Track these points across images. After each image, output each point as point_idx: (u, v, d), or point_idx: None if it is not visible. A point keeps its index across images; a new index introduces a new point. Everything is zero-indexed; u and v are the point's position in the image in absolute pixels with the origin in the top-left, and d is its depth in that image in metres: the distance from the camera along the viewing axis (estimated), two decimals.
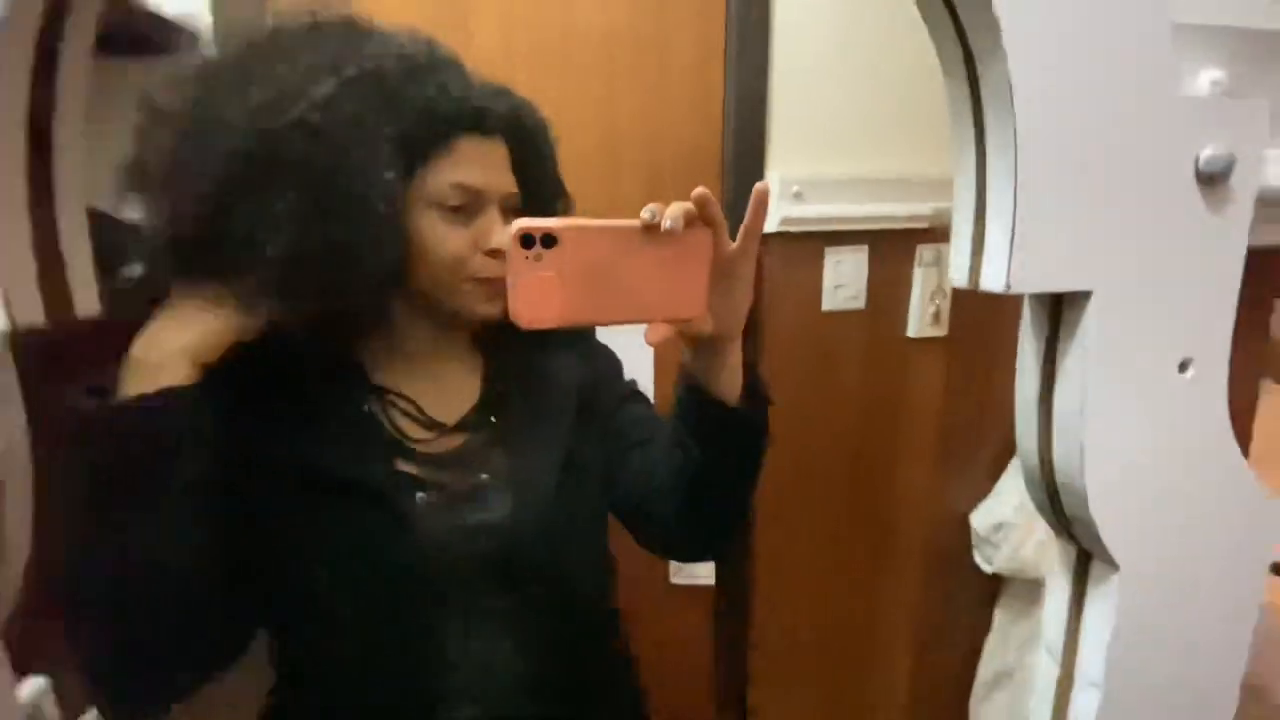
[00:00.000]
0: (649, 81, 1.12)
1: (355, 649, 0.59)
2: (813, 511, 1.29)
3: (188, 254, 0.54)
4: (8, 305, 0.23)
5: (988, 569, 1.30)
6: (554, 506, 0.63)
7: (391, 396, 0.63)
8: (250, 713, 0.71)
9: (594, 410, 0.70)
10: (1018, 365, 0.34)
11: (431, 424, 0.63)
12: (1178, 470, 0.32)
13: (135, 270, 0.89)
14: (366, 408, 0.62)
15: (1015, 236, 0.28)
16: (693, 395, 0.54)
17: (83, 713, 0.74)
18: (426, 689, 0.60)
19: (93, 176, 0.92)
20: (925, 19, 0.29)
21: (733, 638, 1.29)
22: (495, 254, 0.59)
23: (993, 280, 0.29)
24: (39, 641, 0.82)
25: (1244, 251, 0.31)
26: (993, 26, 0.26)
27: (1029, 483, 0.35)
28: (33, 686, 0.73)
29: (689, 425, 0.56)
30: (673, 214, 0.41)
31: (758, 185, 0.46)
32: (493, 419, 0.65)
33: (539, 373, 0.68)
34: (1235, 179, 0.30)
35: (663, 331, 0.45)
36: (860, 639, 1.37)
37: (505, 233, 0.54)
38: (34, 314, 0.25)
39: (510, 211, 0.62)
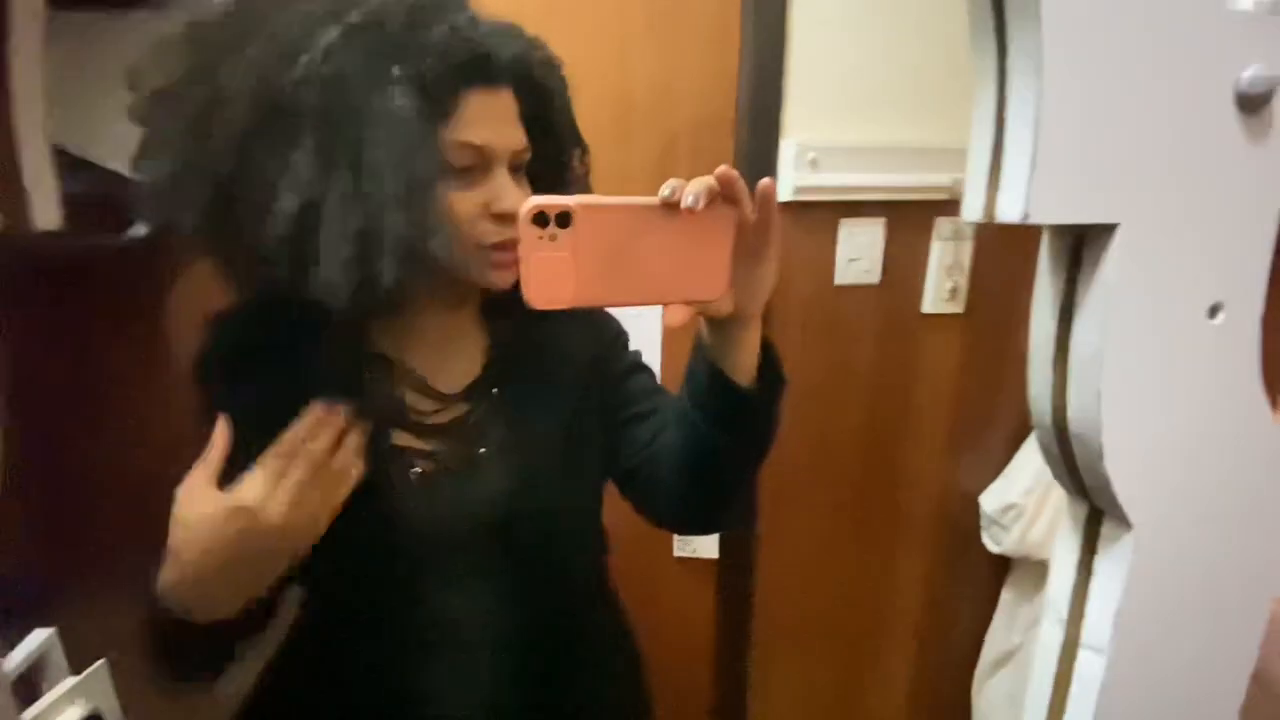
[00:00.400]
0: (662, 45, 1.09)
1: (346, 616, 0.60)
2: (818, 488, 1.28)
3: (206, 228, 0.53)
4: None
5: (995, 550, 1.28)
6: (551, 480, 0.62)
7: (394, 365, 0.62)
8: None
9: (599, 381, 0.68)
10: (1033, 308, 0.32)
11: (434, 394, 0.62)
12: (1200, 424, 0.30)
13: (140, 230, 0.90)
14: (366, 376, 0.60)
15: (1037, 161, 0.26)
16: (707, 373, 0.52)
17: (91, 662, 0.75)
18: (418, 656, 0.60)
19: (93, 131, 0.91)
20: None
21: (735, 612, 1.28)
22: (504, 218, 0.56)
23: (1009, 210, 0.27)
24: (45, 593, 0.83)
25: None
26: None
27: (1040, 434, 0.33)
28: (38, 637, 0.74)
29: (699, 402, 0.54)
30: (694, 191, 0.39)
31: (761, 183, 0.43)
32: (495, 390, 0.64)
33: (544, 343, 0.66)
34: (1277, 105, 0.27)
35: (683, 314, 0.43)
36: (865, 616, 1.36)
37: (515, 195, 0.55)
38: None
39: (519, 169, 0.59)
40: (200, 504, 0.49)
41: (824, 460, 1.27)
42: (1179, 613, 0.33)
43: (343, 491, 0.52)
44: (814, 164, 1.10)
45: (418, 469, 0.60)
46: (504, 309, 0.64)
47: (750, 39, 1.07)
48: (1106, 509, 0.32)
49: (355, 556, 0.57)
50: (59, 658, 0.75)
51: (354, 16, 0.50)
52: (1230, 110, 0.27)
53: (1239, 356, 0.30)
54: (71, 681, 0.71)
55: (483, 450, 0.62)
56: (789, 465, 1.23)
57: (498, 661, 0.62)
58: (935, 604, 1.37)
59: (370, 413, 0.57)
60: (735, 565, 1.26)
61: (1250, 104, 0.27)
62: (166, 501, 0.53)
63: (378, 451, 0.57)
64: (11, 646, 0.72)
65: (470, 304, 0.66)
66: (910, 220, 1.18)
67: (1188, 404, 0.30)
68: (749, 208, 0.42)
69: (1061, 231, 0.30)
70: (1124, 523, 0.31)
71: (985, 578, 1.35)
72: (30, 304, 0.91)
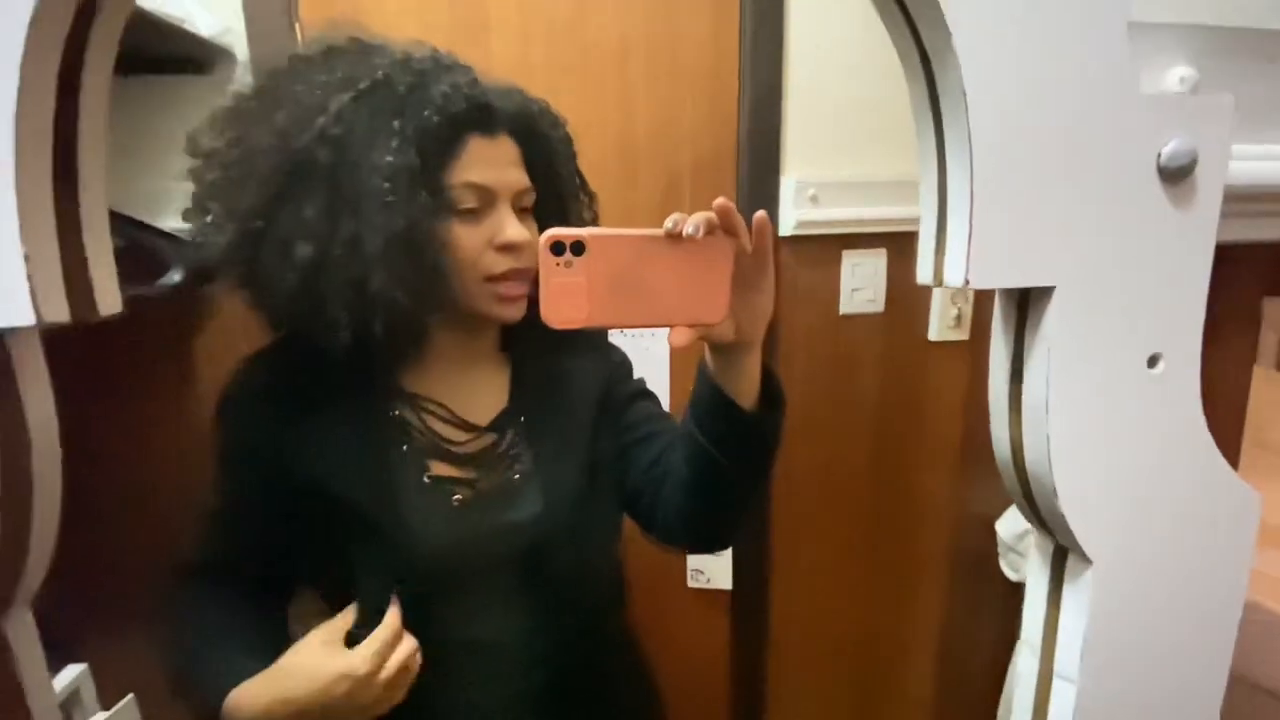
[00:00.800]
0: (664, 88, 1.14)
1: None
2: (831, 517, 1.28)
3: (239, 270, 0.59)
4: (35, 300, 0.26)
5: (1014, 578, 1.27)
6: (578, 504, 0.66)
7: (423, 401, 0.65)
8: None
9: (609, 407, 0.72)
10: (990, 359, 0.35)
11: (464, 425, 0.66)
12: (1149, 465, 0.32)
13: (174, 278, 0.96)
14: (396, 413, 0.64)
15: (973, 233, 0.29)
16: (709, 396, 0.55)
17: (120, 697, 0.79)
18: (451, 672, 0.63)
19: (135, 187, 0.98)
20: (883, 19, 0.30)
21: (750, 643, 1.28)
22: (506, 248, 0.60)
23: (952, 276, 0.30)
24: (77, 630, 0.87)
25: (1212, 247, 0.31)
26: (944, 26, 0.27)
27: (1004, 476, 0.36)
28: (71, 672, 0.77)
29: (702, 424, 0.57)
30: (695, 222, 0.42)
31: (756, 215, 0.46)
32: (521, 419, 0.68)
33: (561, 374, 0.70)
34: (1200, 175, 0.30)
35: (686, 335, 0.46)
36: (881, 645, 1.35)
37: (516, 227, 0.60)
38: (60, 311, 0.27)
39: (523, 209, 0.63)
40: (319, 660, 0.57)
41: (835, 489, 1.28)
42: (1144, 641, 0.34)
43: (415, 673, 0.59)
44: (814, 199, 1.13)
45: (458, 496, 0.64)
46: (522, 342, 0.69)
47: (748, 80, 1.12)
48: (1068, 545, 0.34)
49: (400, 580, 0.60)
50: (90, 692, 0.78)
51: (364, 83, 0.57)
52: (1154, 181, 0.30)
53: (1181, 400, 0.32)
54: (102, 717, 0.75)
55: (515, 476, 0.66)
56: (800, 494, 1.24)
57: (523, 684, 0.66)
58: (953, 633, 1.36)
59: (402, 448, 0.63)
60: (749, 596, 1.27)
61: (1173, 176, 0.29)
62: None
63: (419, 483, 0.62)
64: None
65: (488, 339, 0.70)
66: (912, 249, 1.19)
67: (1135, 446, 0.32)
68: (747, 239, 0.46)
69: (1010, 292, 0.32)
70: (1084, 558, 0.33)
71: (1004, 606, 1.34)
72: (73, 349, 0.96)
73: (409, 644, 0.58)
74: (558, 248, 0.41)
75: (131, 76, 0.95)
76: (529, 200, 0.64)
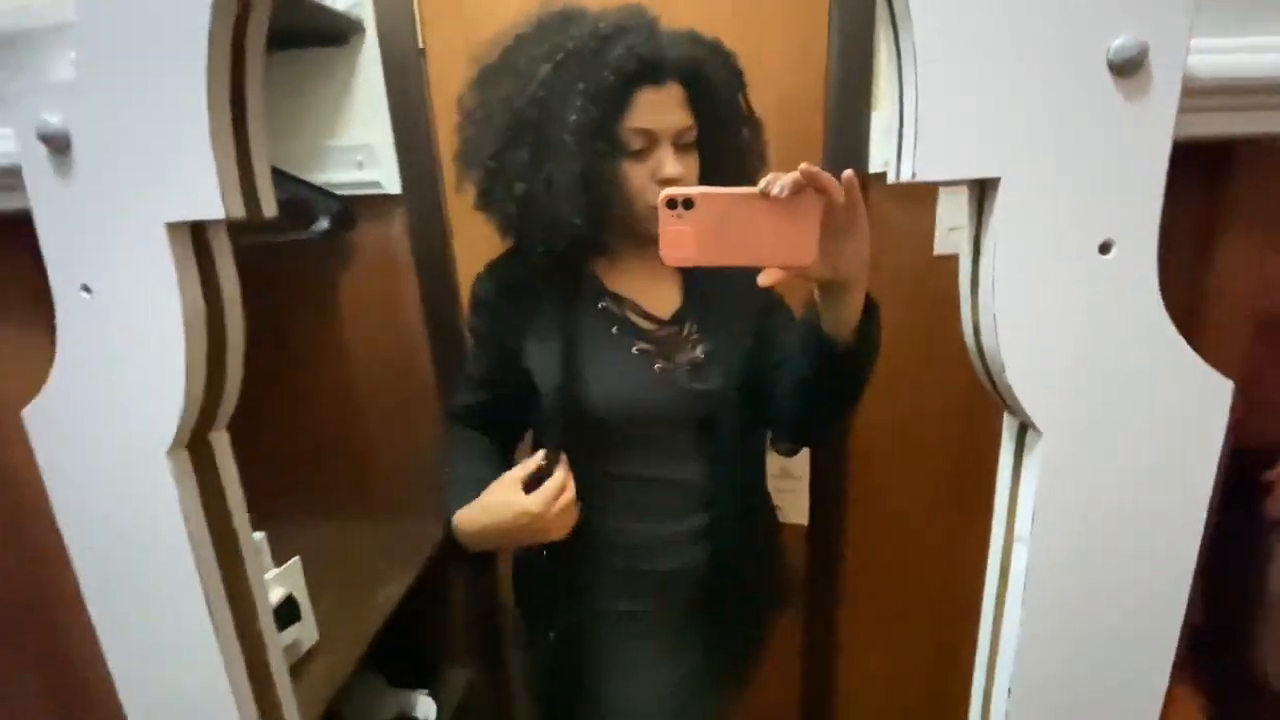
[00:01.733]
0: (748, 27, 1.15)
1: (596, 480, 0.82)
2: (915, 462, 1.28)
3: (484, 204, 0.80)
4: (224, 200, 0.38)
5: None
6: (745, 382, 0.82)
7: (620, 297, 0.84)
8: None
9: (769, 313, 0.87)
10: (960, 252, 0.38)
11: (651, 318, 0.84)
12: (1101, 345, 0.35)
13: (322, 225, 1.15)
14: (602, 305, 0.83)
15: (919, 126, 0.33)
16: (809, 325, 0.66)
17: (288, 559, 0.99)
18: (636, 501, 0.83)
19: (288, 148, 1.17)
20: None
21: (825, 577, 1.33)
22: (666, 182, 0.73)
23: (904, 171, 0.34)
24: (259, 507, 1.09)
25: (1167, 139, 0.32)
26: None
27: (972, 357, 0.40)
28: (254, 538, 0.98)
29: (804, 346, 0.68)
30: (782, 183, 0.50)
31: (845, 173, 0.52)
32: (696, 314, 0.84)
33: (725, 281, 0.85)
34: (1154, 68, 0.31)
35: (774, 275, 0.54)
36: (958, 585, 1.35)
37: (673, 164, 0.75)
38: (238, 209, 0.40)
39: (685, 146, 0.76)
40: (507, 497, 0.76)
41: (920, 434, 1.26)
42: (1095, 510, 0.38)
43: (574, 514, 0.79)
44: None
45: (658, 364, 0.81)
46: None
47: (837, 14, 1.11)
48: (1022, 418, 0.38)
49: (621, 428, 0.80)
50: (266, 554, 0.98)
51: (560, 54, 0.73)
52: (1104, 74, 0.32)
53: (1135, 284, 0.34)
54: (275, 571, 0.95)
55: (700, 355, 0.82)
56: (882, 437, 1.25)
57: (691, 520, 0.85)
58: None
59: (613, 328, 0.82)
60: (825, 531, 1.31)
61: (1123, 69, 0.32)
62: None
63: (629, 353, 0.81)
64: None
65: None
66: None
67: (1084, 327, 0.35)
68: (837, 191, 0.52)
69: (971, 186, 0.36)
70: (1035, 429, 0.37)
71: None
72: (246, 285, 1.19)
73: (569, 494, 0.76)
74: (672, 204, 0.52)
75: (279, 52, 1.13)
76: (690, 137, 0.77)
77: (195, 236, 0.41)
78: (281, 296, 1.24)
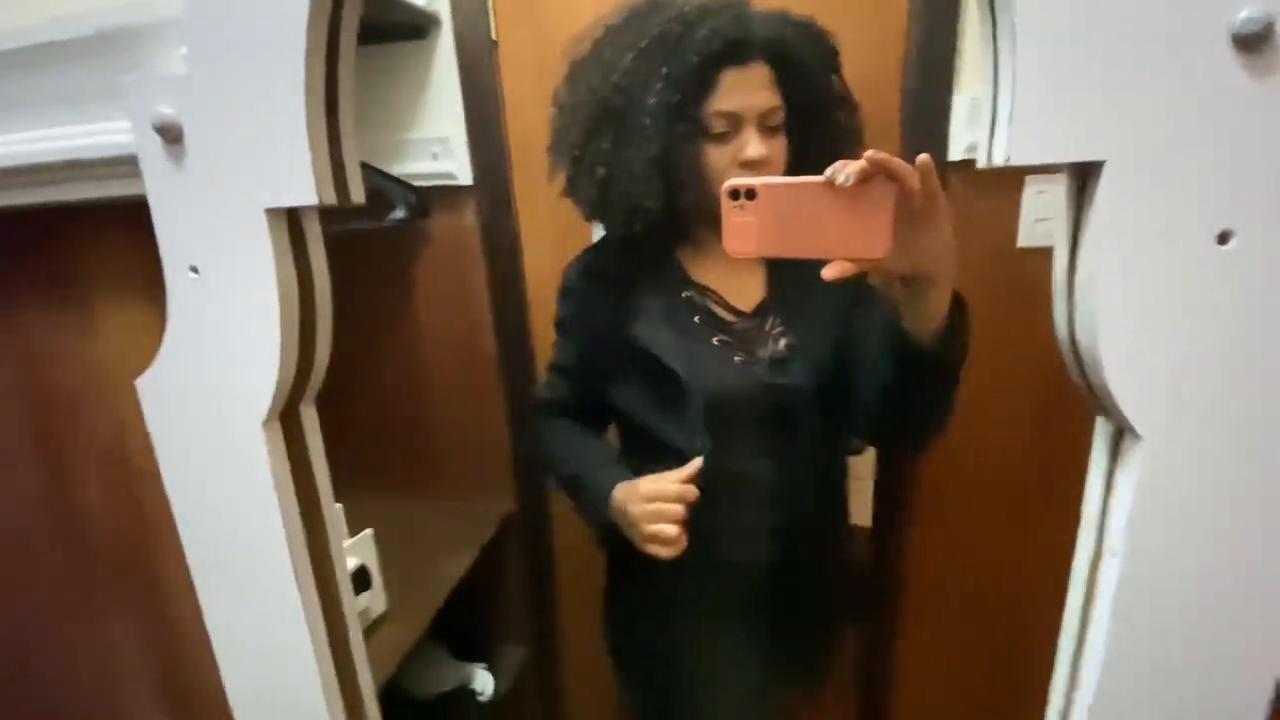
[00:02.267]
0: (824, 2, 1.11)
1: (674, 465, 0.80)
2: (988, 468, 1.22)
3: (570, 189, 0.82)
4: (318, 187, 0.40)
5: None
6: (830, 378, 0.79)
7: (703, 288, 0.83)
8: None
9: (858, 302, 0.83)
10: (1055, 241, 0.36)
11: (733, 310, 0.83)
12: (1214, 345, 0.33)
13: (399, 214, 1.19)
14: (686, 295, 0.83)
15: (1016, 105, 0.31)
16: (891, 324, 0.62)
17: (360, 530, 1.04)
18: (719, 495, 0.79)
19: (370, 140, 1.23)
20: None
21: (885, 580, 1.29)
22: (748, 164, 0.72)
23: (997, 155, 0.32)
24: (336, 479, 1.15)
25: None
26: None
27: (1064, 355, 0.37)
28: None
29: (885, 347, 0.64)
30: (847, 171, 0.47)
31: (920, 158, 0.49)
32: (780, 308, 0.82)
33: (811, 273, 0.83)
34: None
35: (842, 268, 0.50)
36: (1024, 609, 1.28)
37: (756, 146, 0.73)
38: (329, 196, 0.42)
39: (771, 128, 0.74)
40: (628, 494, 0.78)
41: (996, 440, 1.20)
42: (1193, 525, 0.35)
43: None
44: None
45: (739, 357, 0.80)
46: None
47: None
48: (1120, 423, 0.35)
49: (701, 417, 0.78)
50: (341, 523, 1.03)
51: (644, 41, 0.73)
52: (1226, 49, 0.29)
53: (1258, 279, 0.31)
54: (349, 541, 1.00)
55: (783, 350, 0.80)
56: (955, 439, 1.20)
57: (769, 516, 0.83)
58: None
59: (694, 319, 0.81)
60: (888, 534, 1.27)
61: (1247, 44, 0.29)
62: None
63: (711, 345, 0.80)
64: None
65: None
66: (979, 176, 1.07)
67: (1195, 324, 0.32)
68: (911, 179, 0.48)
69: (1072, 169, 0.34)
70: (1135, 434, 0.34)
71: None
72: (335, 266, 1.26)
73: (675, 509, 0.74)
74: (735, 194, 0.50)
75: (361, 46, 1.18)
76: (777, 118, 0.74)
77: (291, 222, 0.43)
78: (360, 282, 1.29)
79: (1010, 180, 1.10)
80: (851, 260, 0.50)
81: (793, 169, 0.78)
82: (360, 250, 1.26)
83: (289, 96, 0.38)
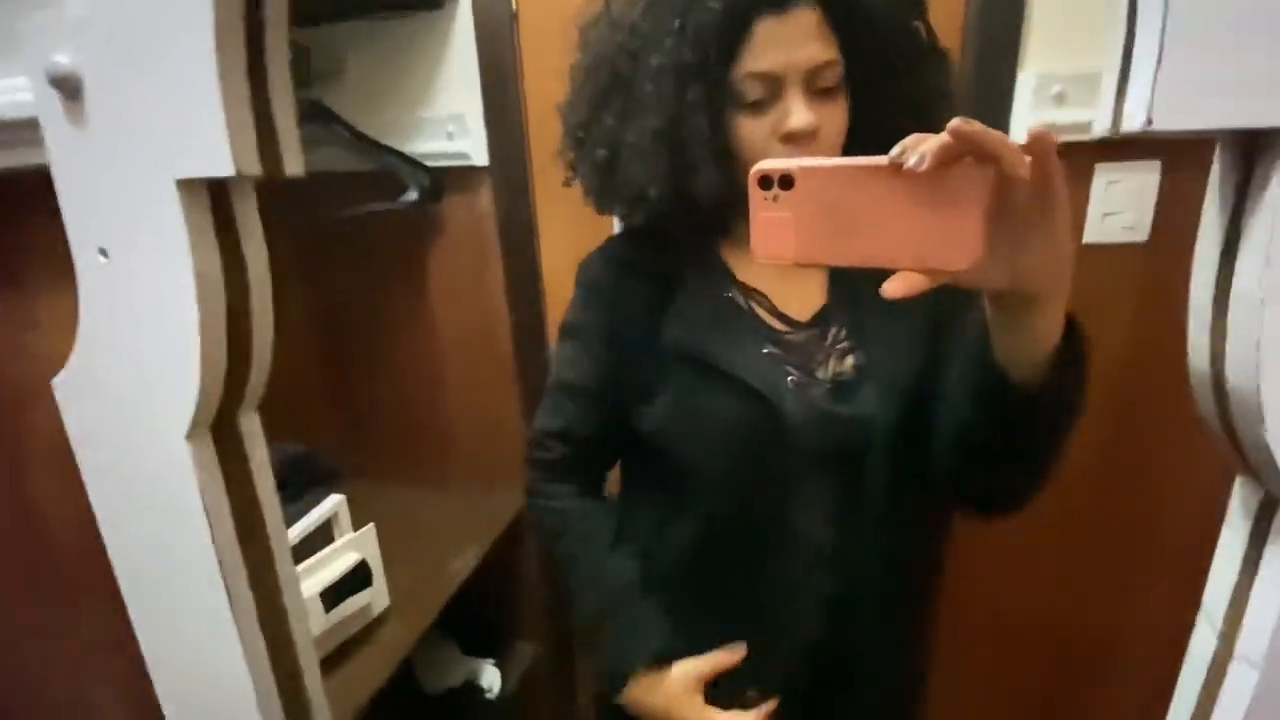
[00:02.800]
0: None
1: (704, 514, 0.66)
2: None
3: (572, 175, 0.69)
4: (234, 157, 0.33)
5: None
6: (911, 410, 0.61)
7: (748, 289, 0.67)
8: None
9: (949, 315, 0.63)
10: (1198, 239, 0.26)
11: (785, 319, 0.66)
12: None
13: (411, 196, 1.13)
14: (729, 295, 0.66)
15: (1163, 54, 0.21)
16: (976, 352, 0.47)
17: (364, 525, 0.98)
18: (753, 565, 0.65)
19: (383, 118, 1.16)
20: None
21: None
22: (792, 138, 0.56)
23: (1133, 117, 0.23)
24: (339, 472, 1.09)
25: None
26: None
27: (1198, 394, 0.28)
28: (333, 500, 0.98)
29: (966, 380, 0.50)
30: (920, 151, 0.34)
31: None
32: (847, 317, 0.65)
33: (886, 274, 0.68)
34: None
35: (911, 282, 0.37)
36: (1072, 641, 1.15)
37: (802, 114, 0.56)
38: (253, 166, 0.34)
39: (823, 90, 0.58)
40: (681, 704, 0.64)
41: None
42: None
43: None
44: (1060, 98, 0.93)
45: (792, 377, 0.63)
46: None
47: None
48: (1277, 491, 0.26)
49: (729, 449, 0.63)
50: (345, 516, 0.99)
51: None
52: None
53: None
54: (349, 536, 0.95)
55: (849, 371, 0.63)
56: None
57: (820, 587, 0.65)
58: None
59: (740, 326, 0.65)
60: None
61: None
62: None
63: (759, 353, 0.64)
64: (315, 504, 0.98)
65: None
66: (1195, 163, 0.94)
67: None
68: (1017, 163, 0.35)
69: (1229, 145, 0.24)
70: None
71: None
72: (338, 249, 1.20)
73: None
74: (765, 182, 0.38)
75: (376, 19, 1.11)
76: (831, 77, 0.58)
77: (217, 199, 0.36)
78: (369, 268, 1.24)
79: (1078, 168, 0.98)
80: (924, 271, 0.38)
81: (855, 146, 0.60)
82: (369, 235, 1.20)
83: (196, 42, 0.31)
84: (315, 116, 1.10)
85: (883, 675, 0.70)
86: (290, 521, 0.92)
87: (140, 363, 0.37)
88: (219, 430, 0.40)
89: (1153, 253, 0.99)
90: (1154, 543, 1.09)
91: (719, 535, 0.66)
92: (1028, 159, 0.35)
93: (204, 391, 0.37)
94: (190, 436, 0.38)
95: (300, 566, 0.88)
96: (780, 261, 0.39)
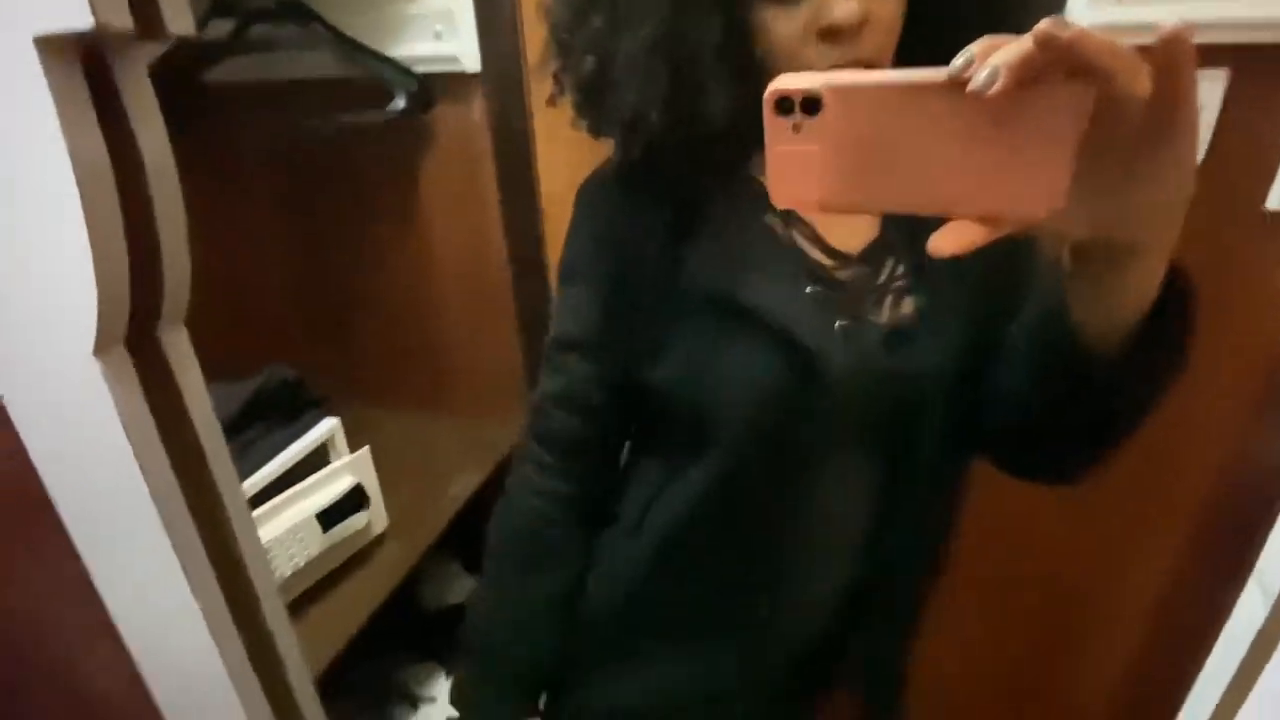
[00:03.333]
0: None
1: (704, 493, 0.57)
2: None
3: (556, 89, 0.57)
4: (96, 5, 0.27)
5: None
6: (968, 367, 0.53)
7: (789, 215, 0.56)
8: None
9: (1014, 260, 0.55)
10: None
11: (832, 252, 0.55)
12: None
13: (399, 104, 1.05)
14: (765, 221, 0.55)
15: None
16: (1049, 307, 0.40)
17: (360, 448, 0.97)
18: (775, 536, 0.58)
19: (368, 18, 1.05)
20: None
21: None
22: (832, 33, 0.45)
23: None
24: (335, 395, 1.07)
25: None
26: None
27: None
28: (328, 423, 0.97)
29: (1033, 340, 0.43)
30: (992, 64, 0.26)
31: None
32: (905, 252, 0.56)
33: None
34: None
35: (967, 236, 0.30)
36: (1088, 605, 1.11)
37: (844, 3, 0.44)
38: (123, 20, 0.28)
39: None
40: None
41: (1171, 452, 0.92)
42: None
43: None
44: None
45: (840, 322, 0.54)
46: None
47: None
48: None
49: (763, 402, 0.54)
50: (341, 439, 0.99)
51: None
52: None
53: None
54: (347, 458, 0.94)
55: (905, 318, 0.55)
56: None
57: (851, 571, 0.60)
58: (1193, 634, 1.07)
59: (780, 258, 0.55)
60: None
61: None
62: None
63: (800, 299, 0.53)
64: (308, 428, 0.96)
65: None
66: (1267, 71, 0.83)
67: None
68: (1129, 80, 0.26)
69: None
70: None
71: None
72: (320, 163, 1.13)
73: None
74: (785, 104, 0.30)
75: None
76: None
77: (92, 67, 0.30)
78: (357, 182, 1.17)
79: (1264, 107, 0.81)
80: (990, 222, 0.29)
81: (905, 54, 0.49)
82: (355, 147, 1.13)
83: None
84: (290, 14, 1.02)
85: (883, 675, 0.65)
86: (284, 445, 0.91)
87: (28, 271, 0.32)
88: (137, 347, 0.36)
89: (1210, 177, 0.87)
90: (1147, 500, 1.03)
91: (722, 515, 0.57)
92: (1147, 71, 0.26)
93: (105, 299, 0.32)
94: (99, 351, 0.34)
95: (295, 489, 0.88)
96: (804, 208, 0.32)
